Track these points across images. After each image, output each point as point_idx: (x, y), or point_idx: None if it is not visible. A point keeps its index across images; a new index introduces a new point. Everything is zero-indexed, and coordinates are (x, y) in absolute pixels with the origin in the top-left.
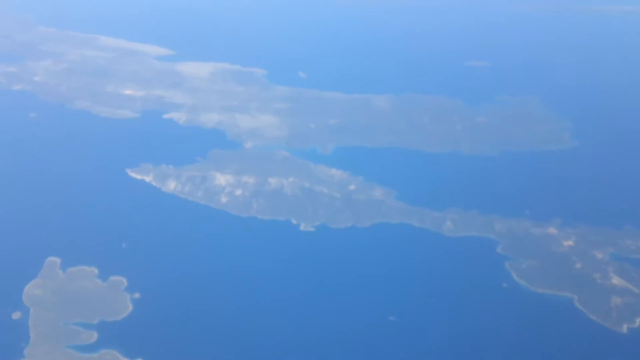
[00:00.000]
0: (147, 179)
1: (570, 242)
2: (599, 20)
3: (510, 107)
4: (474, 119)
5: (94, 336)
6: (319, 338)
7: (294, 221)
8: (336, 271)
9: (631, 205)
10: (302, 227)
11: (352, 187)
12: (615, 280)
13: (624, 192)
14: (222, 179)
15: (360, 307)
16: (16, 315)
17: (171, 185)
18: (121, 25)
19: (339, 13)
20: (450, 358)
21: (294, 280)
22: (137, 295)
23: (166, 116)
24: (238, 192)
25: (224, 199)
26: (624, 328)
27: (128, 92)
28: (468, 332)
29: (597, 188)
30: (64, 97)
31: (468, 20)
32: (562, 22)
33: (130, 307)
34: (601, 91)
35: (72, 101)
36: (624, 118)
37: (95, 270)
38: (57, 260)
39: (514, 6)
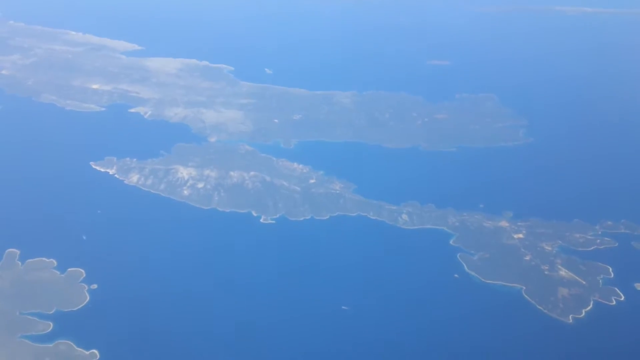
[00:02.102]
0: (111, 171)
1: (520, 235)
2: (559, 20)
3: (468, 105)
4: (434, 115)
5: (50, 326)
6: (274, 325)
7: (254, 213)
8: (293, 262)
9: (581, 199)
10: (262, 220)
11: (312, 181)
12: (563, 272)
13: (575, 187)
14: (184, 172)
15: (315, 297)
16: None
17: (134, 178)
18: (91, 20)
19: (307, 11)
20: (400, 346)
21: (253, 271)
22: (94, 286)
23: (132, 110)
24: (200, 185)
25: (186, 192)
26: (570, 318)
27: (95, 86)
28: (418, 321)
29: (549, 183)
30: (31, 90)
31: (430, 21)
32: (522, 22)
33: (88, 298)
34: (556, 89)
35: (39, 95)
36: (577, 116)
37: (54, 262)
38: (17, 251)
39: (475, 7)
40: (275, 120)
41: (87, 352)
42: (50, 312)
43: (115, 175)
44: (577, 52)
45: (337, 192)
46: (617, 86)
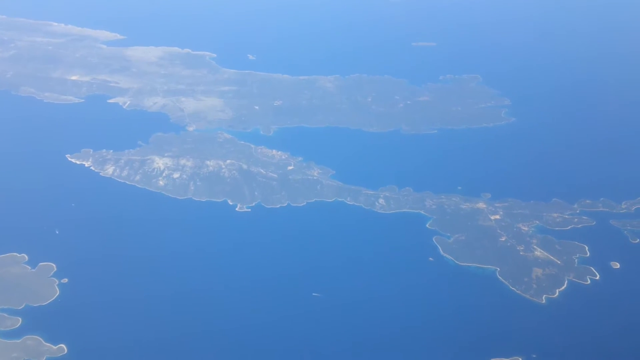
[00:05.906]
0: (87, 164)
1: (497, 216)
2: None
3: (452, 86)
4: (416, 98)
5: (19, 321)
6: (244, 313)
7: (230, 202)
8: (268, 249)
9: (560, 179)
10: (238, 208)
11: (290, 168)
12: (538, 253)
13: (555, 167)
14: (160, 163)
15: (287, 284)
16: None
17: (109, 170)
18: (72, 11)
19: None
20: (370, 332)
21: (226, 259)
22: (65, 280)
23: (111, 101)
24: (176, 175)
25: (161, 182)
26: (543, 299)
27: (74, 77)
28: (390, 305)
29: (530, 163)
30: (10, 83)
31: (419, 1)
32: (512, 2)
33: (58, 292)
34: (541, 69)
35: (17, 87)
36: (559, 95)
37: (26, 257)
38: None
39: None
40: (256, 107)
41: (55, 347)
42: (20, 308)
43: (91, 168)
44: (564, 34)
45: (315, 178)
46: (601, 68)
